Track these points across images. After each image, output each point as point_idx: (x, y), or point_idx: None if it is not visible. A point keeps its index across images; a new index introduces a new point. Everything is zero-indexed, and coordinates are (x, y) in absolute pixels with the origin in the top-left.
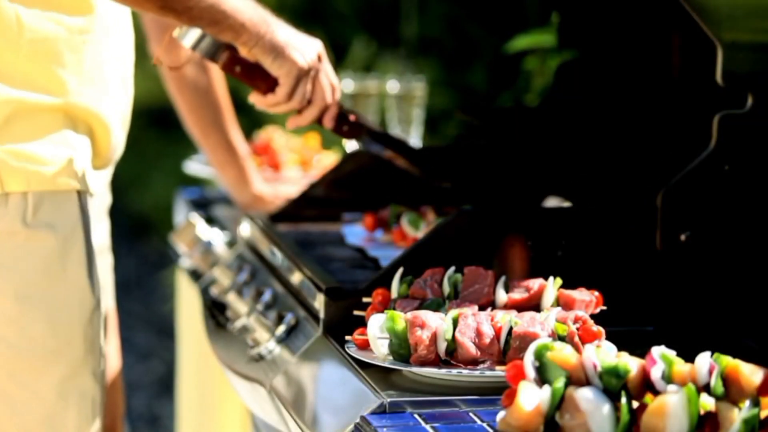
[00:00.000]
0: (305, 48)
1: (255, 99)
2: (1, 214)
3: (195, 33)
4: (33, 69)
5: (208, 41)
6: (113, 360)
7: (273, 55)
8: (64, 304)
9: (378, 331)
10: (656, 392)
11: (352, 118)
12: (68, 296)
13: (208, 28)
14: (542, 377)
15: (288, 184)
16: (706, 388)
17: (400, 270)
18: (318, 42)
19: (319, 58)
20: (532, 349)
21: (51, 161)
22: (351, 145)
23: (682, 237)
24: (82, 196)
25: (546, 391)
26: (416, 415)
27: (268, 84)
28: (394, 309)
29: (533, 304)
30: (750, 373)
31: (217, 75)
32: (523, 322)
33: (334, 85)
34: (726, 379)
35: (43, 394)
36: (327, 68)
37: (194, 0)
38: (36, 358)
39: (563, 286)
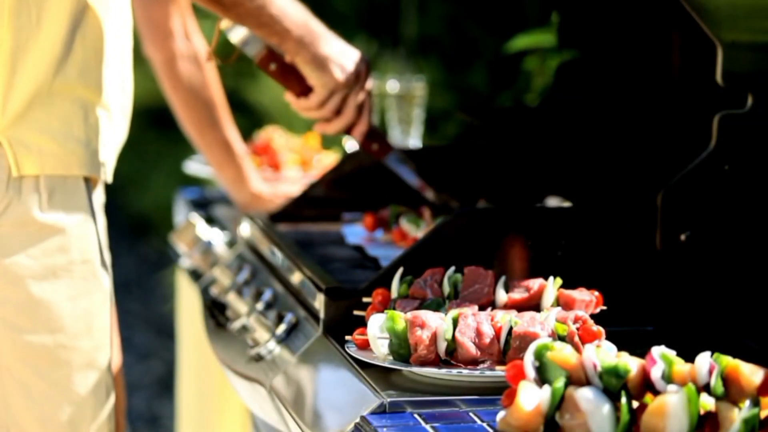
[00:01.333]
0: (347, 64)
1: (290, 99)
2: (15, 204)
3: (242, 29)
4: (48, 54)
5: (253, 39)
6: (115, 356)
7: (313, 66)
8: (78, 293)
9: (378, 331)
10: (656, 392)
11: (382, 137)
12: (82, 285)
13: (254, 29)
14: (542, 377)
15: (288, 184)
16: (706, 388)
17: (400, 270)
18: (364, 60)
19: (358, 76)
20: (532, 349)
21: (64, 146)
22: (351, 145)
23: (682, 237)
24: (89, 185)
25: (546, 391)
26: (416, 415)
27: (302, 88)
28: (394, 309)
29: (533, 304)
30: (750, 373)
31: (211, 73)
32: (523, 322)
33: (367, 104)
34: (726, 379)
35: (61, 382)
36: (366, 86)
37: None
38: (52, 348)
39: (563, 286)
